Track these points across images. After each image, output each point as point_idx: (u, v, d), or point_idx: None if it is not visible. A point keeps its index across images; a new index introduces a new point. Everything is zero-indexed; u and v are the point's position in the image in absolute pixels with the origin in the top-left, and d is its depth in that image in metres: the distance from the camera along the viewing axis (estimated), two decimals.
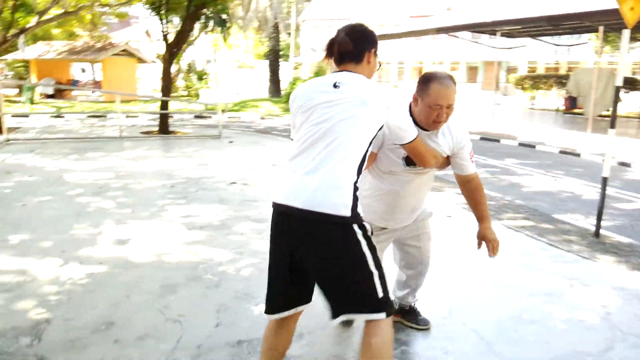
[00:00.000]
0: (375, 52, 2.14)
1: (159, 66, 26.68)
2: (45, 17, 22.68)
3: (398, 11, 34.93)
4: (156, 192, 6.04)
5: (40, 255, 3.88)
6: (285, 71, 30.03)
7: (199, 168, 7.64)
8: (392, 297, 2.61)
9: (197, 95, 22.42)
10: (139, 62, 27.60)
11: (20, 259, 3.78)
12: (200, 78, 23.25)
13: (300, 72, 34.81)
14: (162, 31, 11.86)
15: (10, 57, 24.50)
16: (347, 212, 1.90)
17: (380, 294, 1.94)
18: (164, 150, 9.56)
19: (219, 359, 2.55)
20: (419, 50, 37.50)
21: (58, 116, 16.59)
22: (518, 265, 3.92)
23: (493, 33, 14.53)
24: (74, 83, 26.38)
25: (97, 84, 26.53)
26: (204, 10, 12.46)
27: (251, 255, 3.97)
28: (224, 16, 16.25)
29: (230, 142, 10.77)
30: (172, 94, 27.12)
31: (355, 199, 1.94)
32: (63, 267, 3.64)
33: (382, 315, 1.93)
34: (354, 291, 1.93)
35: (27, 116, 15.96)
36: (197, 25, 15.24)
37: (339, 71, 2.10)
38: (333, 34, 2.16)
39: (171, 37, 11.84)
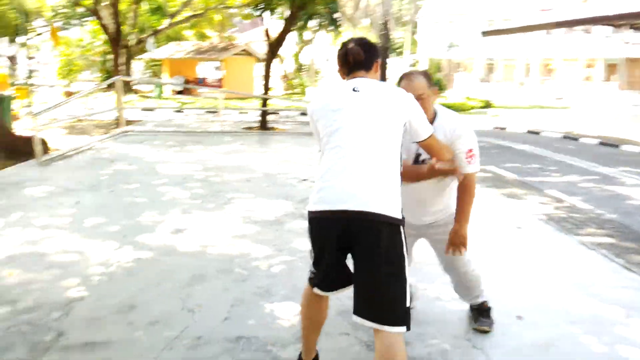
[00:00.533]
0: (379, 62, 2.30)
1: (276, 65, 27.77)
2: (176, 20, 24.83)
3: (526, 4, 32.67)
4: (231, 185, 6.33)
5: (103, 238, 4.28)
6: (399, 68, 29.66)
7: (280, 164, 7.86)
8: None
9: (304, 93, 23.05)
10: (258, 61, 29.04)
11: (85, 240, 4.20)
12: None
13: (417, 68, 34.20)
14: (264, 30, 12.35)
15: (145, 56, 27.16)
16: (399, 215, 1.99)
17: (407, 304, 1.99)
18: (257, 146, 9.98)
19: (212, 352, 2.62)
20: (548, 46, 34.84)
21: (179, 111, 18.05)
22: (575, 286, 3.49)
23: (619, 26, 13.03)
24: (200, 81, 28.52)
25: (220, 82, 28.43)
26: (317, 9, 12.77)
27: (289, 253, 4.01)
28: (336, 15, 16.51)
29: None
30: (287, 91, 28.22)
31: (400, 201, 2.03)
32: (117, 251, 3.98)
33: (404, 328, 1.96)
34: (385, 297, 1.95)
35: (152, 110, 17.58)
36: (313, 24, 15.73)
37: (350, 79, 2.23)
38: (340, 47, 2.31)
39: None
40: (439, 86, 13.32)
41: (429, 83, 2.50)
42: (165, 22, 23.89)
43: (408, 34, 30.65)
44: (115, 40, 13.04)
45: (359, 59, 2.22)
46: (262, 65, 31.00)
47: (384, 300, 1.95)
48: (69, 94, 25.03)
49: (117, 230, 4.51)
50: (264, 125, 12.30)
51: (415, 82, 2.47)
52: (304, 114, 18.01)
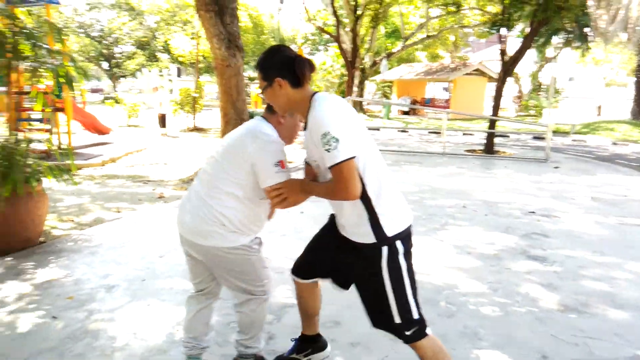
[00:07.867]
0: None
1: (511, 84, 26.30)
2: (410, 42, 25.52)
3: None
4: (444, 210, 6.08)
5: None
6: None
7: (502, 192, 7.29)
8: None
9: (541, 115, 21.19)
10: (490, 81, 27.89)
11: None
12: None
13: None
14: (500, 48, 11.72)
15: (378, 78, 28.50)
16: None
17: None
18: (478, 170, 9.47)
19: None
20: None
21: (403, 131, 18.38)
22: None
23: None
24: (427, 101, 28.69)
25: (447, 102, 28.17)
26: (563, 23, 11.82)
27: (504, 295, 3.61)
28: (587, 29, 14.92)
29: (556, 167, 9.82)
30: (520, 113, 26.46)
31: None
32: None
33: None
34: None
35: (378, 130, 18.27)
36: (558, 41, 14.42)
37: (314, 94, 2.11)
38: (281, 51, 2.14)
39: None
40: None
41: None
42: (399, 45, 24.73)
43: None
44: (351, 62, 14.10)
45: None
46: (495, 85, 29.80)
47: None
48: None
49: None
50: (489, 149, 11.65)
51: None
52: (537, 137, 16.61)
